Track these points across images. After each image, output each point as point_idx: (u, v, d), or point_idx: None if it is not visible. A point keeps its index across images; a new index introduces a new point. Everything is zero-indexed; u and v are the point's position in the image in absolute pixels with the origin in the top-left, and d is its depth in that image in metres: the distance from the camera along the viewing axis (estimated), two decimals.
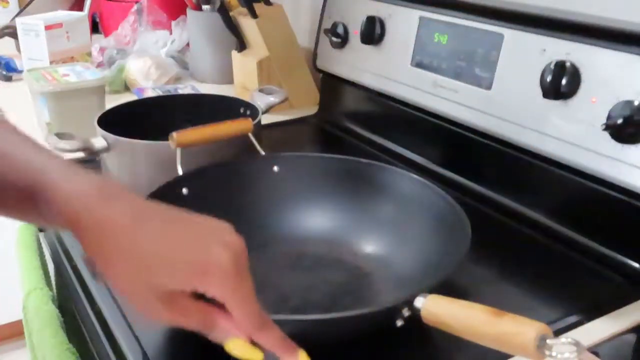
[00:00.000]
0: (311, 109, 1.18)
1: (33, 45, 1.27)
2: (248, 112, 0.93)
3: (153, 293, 0.40)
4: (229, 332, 0.42)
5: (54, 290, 0.79)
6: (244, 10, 1.16)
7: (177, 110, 0.98)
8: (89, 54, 1.37)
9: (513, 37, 0.77)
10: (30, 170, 0.42)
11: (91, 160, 0.88)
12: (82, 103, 1.02)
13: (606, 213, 0.70)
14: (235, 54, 1.24)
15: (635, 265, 0.67)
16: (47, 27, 1.26)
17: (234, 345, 0.43)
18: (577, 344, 0.41)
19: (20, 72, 1.37)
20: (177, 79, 1.39)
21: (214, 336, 0.43)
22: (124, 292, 0.42)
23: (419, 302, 0.49)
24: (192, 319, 0.42)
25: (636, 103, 0.64)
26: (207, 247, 0.40)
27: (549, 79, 0.70)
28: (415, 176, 0.70)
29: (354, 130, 1.07)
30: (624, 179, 0.66)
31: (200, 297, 0.42)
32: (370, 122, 1.05)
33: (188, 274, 0.40)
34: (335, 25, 1.05)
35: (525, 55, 0.75)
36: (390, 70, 0.97)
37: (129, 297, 0.41)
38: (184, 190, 0.68)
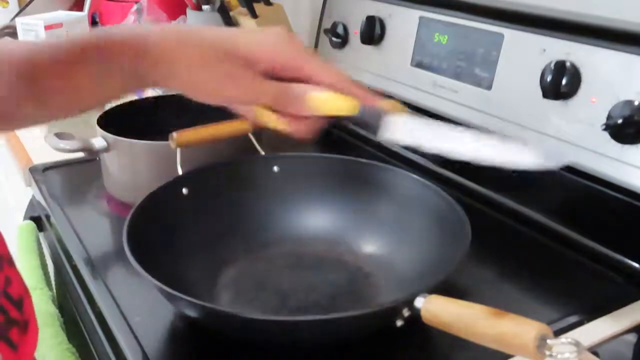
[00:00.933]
0: None
1: None
2: None
3: (250, 71, 0.47)
4: (309, 89, 0.48)
5: (54, 290, 0.79)
6: (244, 10, 1.17)
7: (177, 110, 0.98)
8: None
9: (513, 37, 0.77)
10: (135, 37, 0.48)
11: (91, 160, 0.88)
12: None
13: (606, 213, 0.70)
14: None
15: (635, 265, 0.67)
16: (47, 27, 1.26)
17: (323, 95, 0.47)
18: (577, 344, 0.41)
19: None
20: None
21: (292, 102, 0.48)
22: (227, 90, 0.49)
23: (419, 302, 0.49)
24: (278, 88, 0.49)
25: (636, 103, 0.64)
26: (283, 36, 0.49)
27: (549, 79, 0.70)
28: (415, 176, 0.70)
29: (354, 130, 1.07)
30: (624, 179, 0.66)
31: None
32: None
33: (279, 50, 0.48)
34: (335, 25, 1.05)
35: (525, 55, 0.75)
36: (390, 70, 0.97)
37: (233, 87, 0.48)
38: (184, 190, 0.68)
